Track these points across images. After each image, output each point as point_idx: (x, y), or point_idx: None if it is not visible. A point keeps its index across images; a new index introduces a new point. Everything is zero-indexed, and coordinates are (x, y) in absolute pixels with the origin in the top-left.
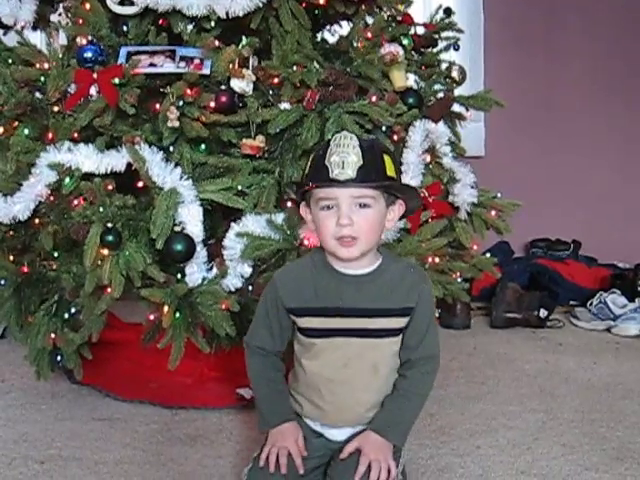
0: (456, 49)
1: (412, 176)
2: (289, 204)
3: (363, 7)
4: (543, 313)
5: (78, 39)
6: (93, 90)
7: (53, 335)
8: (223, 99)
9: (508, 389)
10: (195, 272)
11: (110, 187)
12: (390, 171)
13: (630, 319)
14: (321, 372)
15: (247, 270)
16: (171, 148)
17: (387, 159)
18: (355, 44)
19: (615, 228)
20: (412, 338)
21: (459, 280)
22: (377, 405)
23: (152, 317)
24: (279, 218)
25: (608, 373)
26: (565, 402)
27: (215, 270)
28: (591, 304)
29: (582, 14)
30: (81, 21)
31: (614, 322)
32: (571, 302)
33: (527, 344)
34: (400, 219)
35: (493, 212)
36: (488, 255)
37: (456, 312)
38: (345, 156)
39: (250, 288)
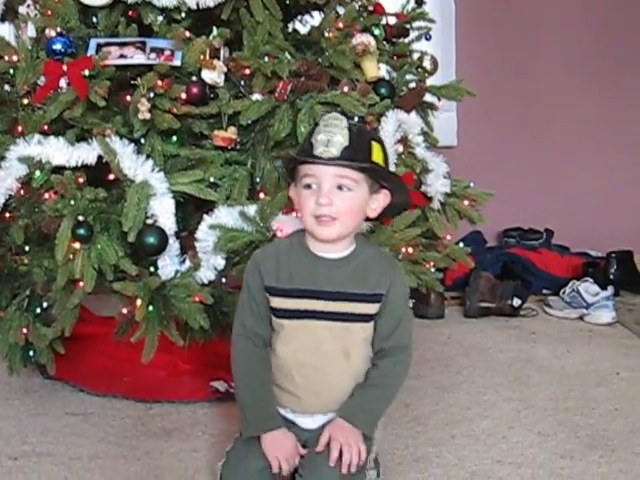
0: (428, 39)
1: None
2: (262, 195)
3: None
4: (516, 302)
5: (47, 31)
6: (63, 82)
7: (25, 330)
8: (194, 90)
9: (482, 378)
10: (168, 265)
11: (81, 180)
12: (377, 157)
13: (602, 307)
14: (294, 355)
15: (220, 262)
16: (142, 140)
17: (375, 146)
18: (326, 34)
19: (587, 216)
20: (385, 326)
21: (432, 270)
22: (350, 392)
23: (125, 311)
24: (252, 210)
25: (581, 361)
26: (539, 390)
27: (188, 263)
28: (564, 293)
29: (555, 1)
30: (50, 13)
31: (587, 310)
32: (544, 291)
33: (501, 333)
34: (384, 216)
35: (466, 202)
36: (461, 245)
37: (430, 302)
38: (332, 135)
39: (223, 280)
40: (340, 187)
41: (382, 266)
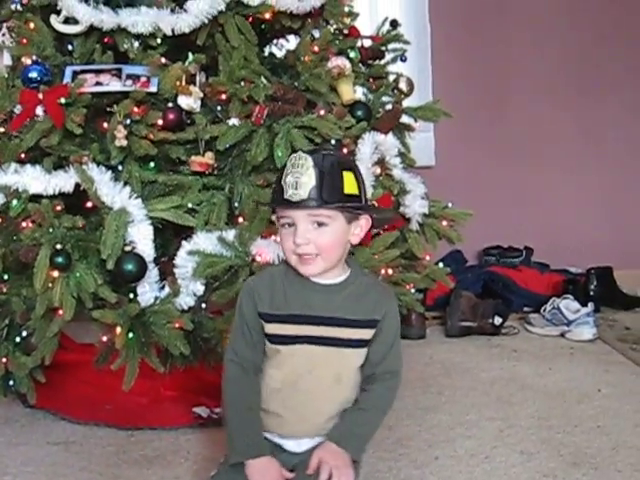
0: (403, 60)
1: None
2: (240, 220)
3: (309, 21)
4: (497, 320)
5: (23, 59)
6: (39, 110)
7: (5, 359)
8: (171, 116)
9: (465, 398)
10: (147, 292)
11: (59, 208)
12: (349, 188)
13: (583, 323)
14: (285, 379)
15: (199, 288)
16: (120, 167)
17: (347, 176)
18: (302, 58)
19: (566, 234)
20: (377, 353)
21: (413, 291)
22: (337, 417)
23: (105, 338)
24: (230, 235)
25: (563, 378)
26: (522, 409)
27: (167, 289)
28: (545, 310)
29: (529, 20)
30: (25, 41)
31: (568, 327)
32: (525, 308)
33: (482, 352)
34: (375, 229)
35: (445, 222)
36: (441, 265)
37: (411, 322)
38: (299, 177)
39: (203, 306)
40: (316, 223)
41: (378, 294)
